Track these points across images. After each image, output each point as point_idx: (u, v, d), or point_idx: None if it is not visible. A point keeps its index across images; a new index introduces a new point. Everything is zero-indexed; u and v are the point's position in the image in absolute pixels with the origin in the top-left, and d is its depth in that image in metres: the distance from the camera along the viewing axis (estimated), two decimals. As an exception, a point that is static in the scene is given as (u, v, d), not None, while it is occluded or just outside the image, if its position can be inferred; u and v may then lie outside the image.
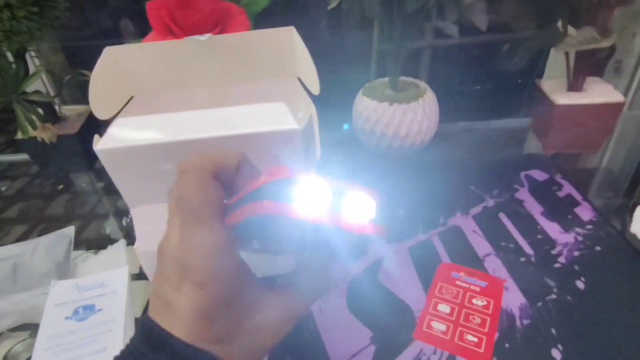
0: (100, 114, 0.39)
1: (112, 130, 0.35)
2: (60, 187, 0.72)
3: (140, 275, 0.47)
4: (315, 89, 0.40)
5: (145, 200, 0.38)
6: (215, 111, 0.35)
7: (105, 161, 0.34)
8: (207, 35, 0.39)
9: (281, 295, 0.23)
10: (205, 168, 0.20)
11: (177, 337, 0.19)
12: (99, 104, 0.39)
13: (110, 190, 0.69)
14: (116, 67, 0.40)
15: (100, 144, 0.33)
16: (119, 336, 0.38)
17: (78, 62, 0.77)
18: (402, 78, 0.62)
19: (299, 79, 0.44)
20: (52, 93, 0.74)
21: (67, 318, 0.40)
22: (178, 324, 0.19)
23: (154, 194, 0.37)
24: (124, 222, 0.61)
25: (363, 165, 0.64)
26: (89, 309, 0.41)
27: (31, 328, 0.42)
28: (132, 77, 0.41)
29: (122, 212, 0.63)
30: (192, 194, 0.19)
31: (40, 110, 0.60)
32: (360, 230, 0.19)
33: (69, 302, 0.42)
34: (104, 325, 0.39)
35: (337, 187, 0.19)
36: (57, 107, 0.67)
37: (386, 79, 0.62)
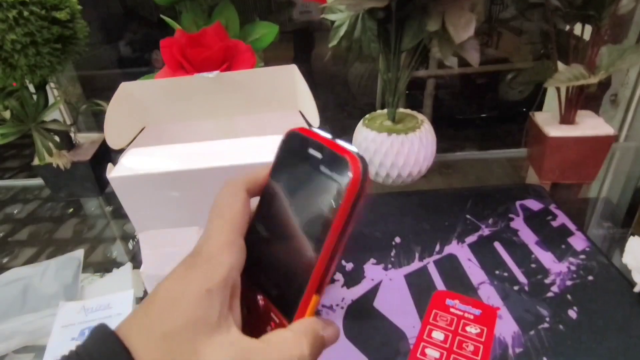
0: (114, 144, 0.42)
1: (125, 160, 0.37)
2: (70, 210, 0.74)
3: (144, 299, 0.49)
4: (315, 121, 0.43)
5: (153, 225, 0.40)
6: (221, 143, 0.37)
7: (117, 188, 0.36)
8: (215, 73, 0.42)
9: (244, 337, 0.20)
10: (238, 182, 0.23)
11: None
12: (113, 135, 0.41)
13: (118, 214, 0.72)
14: (130, 100, 0.43)
15: (113, 172, 0.35)
16: None
17: (94, 91, 0.81)
18: (401, 110, 0.64)
19: (300, 112, 0.46)
20: (68, 122, 0.78)
21: (73, 339, 0.42)
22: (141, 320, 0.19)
23: (161, 220, 0.39)
24: (130, 246, 0.63)
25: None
26: (94, 330, 0.42)
27: (36, 350, 0.44)
28: (144, 109, 0.44)
29: (128, 236, 0.65)
30: (224, 198, 0.22)
31: (56, 138, 0.64)
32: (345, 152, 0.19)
33: (75, 324, 0.43)
34: (107, 347, 0.41)
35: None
36: (72, 135, 0.70)
37: (385, 110, 0.64)
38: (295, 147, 0.22)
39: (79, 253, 0.55)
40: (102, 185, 0.72)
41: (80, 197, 0.74)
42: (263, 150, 0.36)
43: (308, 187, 0.20)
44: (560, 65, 0.57)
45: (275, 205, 0.22)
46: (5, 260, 0.63)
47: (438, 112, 0.59)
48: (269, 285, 0.22)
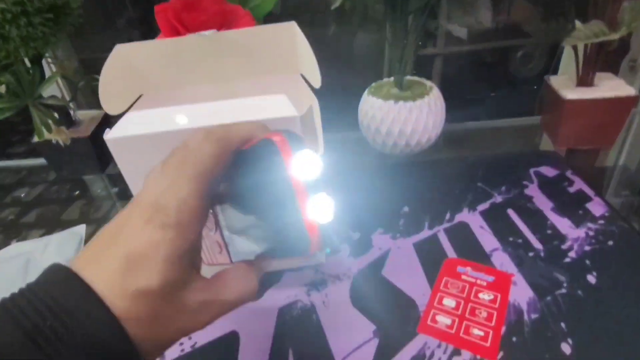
0: (110, 109, 0.40)
1: (122, 122, 0.36)
2: (77, 193, 0.74)
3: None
4: (317, 82, 0.41)
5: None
6: (219, 103, 0.36)
7: (114, 151, 0.35)
8: (211, 31, 0.40)
9: (209, 280, 0.22)
10: (229, 144, 0.22)
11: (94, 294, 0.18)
12: (109, 99, 0.40)
13: (123, 196, 0.71)
14: (125, 63, 0.41)
15: (109, 134, 0.34)
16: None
17: (91, 68, 0.79)
18: (408, 77, 0.62)
19: (302, 75, 0.44)
20: (67, 98, 0.77)
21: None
22: (100, 262, 0.19)
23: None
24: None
25: (369, 163, 0.64)
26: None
27: None
28: (140, 74, 0.42)
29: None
30: (204, 150, 0.21)
31: (55, 115, 0.62)
32: (311, 228, 0.21)
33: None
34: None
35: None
36: (71, 112, 0.69)
37: (392, 78, 0.62)
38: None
39: (80, 228, 0.54)
40: (104, 162, 0.71)
41: (82, 175, 0.73)
42: (260, 108, 0.34)
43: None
44: (578, 23, 0.54)
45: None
46: (13, 242, 0.63)
47: (446, 92, 0.57)
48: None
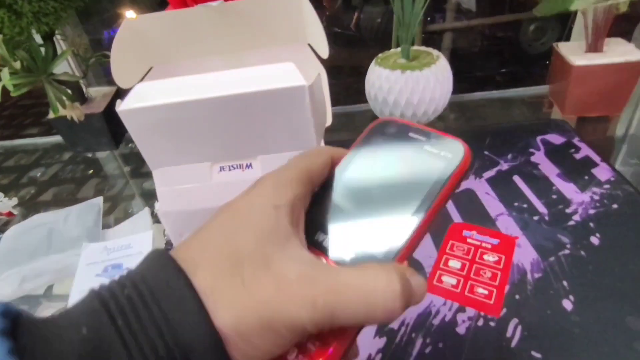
0: (122, 82, 0.41)
1: (133, 94, 0.37)
2: (91, 171, 0.76)
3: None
4: (324, 52, 0.41)
5: (167, 162, 0.40)
6: (228, 73, 0.36)
7: (127, 122, 0.36)
8: (218, 2, 0.40)
9: (317, 260, 0.18)
10: (325, 148, 0.22)
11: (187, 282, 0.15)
12: (120, 73, 0.41)
13: (136, 174, 0.73)
14: (135, 36, 0.42)
15: (122, 105, 0.35)
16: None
17: (99, 48, 0.80)
18: (415, 47, 0.62)
19: (310, 45, 0.45)
20: (78, 74, 0.78)
21: (97, 275, 0.43)
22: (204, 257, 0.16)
23: (175, 156, 0.39)
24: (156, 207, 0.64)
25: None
26: (117, 267, 0.44)
27: (67, 298, 0.45)
28: (150, 47, 0.43)
29: (147, 194, 0.66)
30: (306, 154, 0.21)
31: (68, 91, 0.64)
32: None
33: (99, 262, 0.45)
34: (130, 282, 0.42)
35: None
36: (84, 88, 0.70)
37: (399, 49, 0.62)
38: (389, 131, 0.22)
39: (98, 200, 0.56)
40: (117, 138, 0.73)
41: (96, 151, 0.75)
42: (269, 77, 0.35)
43: (409, 164, 0.21)
44: (589, -13, 0.53)
45: (360, 178, 0.21)
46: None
47: (455, 69, 0.57)
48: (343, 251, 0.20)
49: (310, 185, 0.20)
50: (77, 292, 0.42)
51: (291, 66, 0.36)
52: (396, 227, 0.19)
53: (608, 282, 0.36)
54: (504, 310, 0.35)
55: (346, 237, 0.19)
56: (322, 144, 0.40)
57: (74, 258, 0.46)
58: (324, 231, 0.20)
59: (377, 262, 0.18)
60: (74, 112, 0.63)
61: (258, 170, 0.38)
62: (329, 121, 0.49)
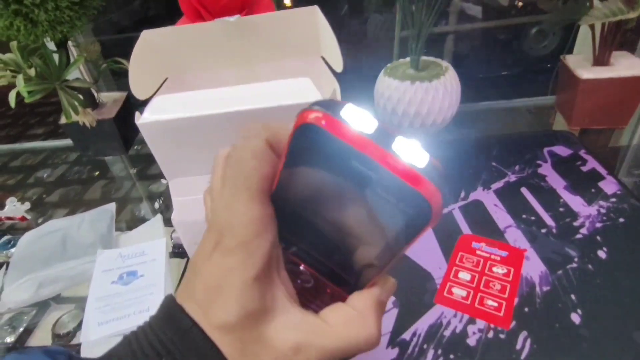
0: (139, 94, 0.42)
1: (152, 107, 0.37)
2: (97, 173, 0.77)
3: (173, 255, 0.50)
4: (339, 67, 0.42)
5: (182, 172, 0.40)
6: (246, 87, 0.37)
7: (146, 134, 0.37)
8: (235, 17, 0.41)
9: (306, 315, 0.19)
10: (264, 137, 0.18)
11: (187, 316, 0.18)
12: (137, 84, 0.42)
13: (143, 175, 0.74)
14: (152, 49, 0.43)
15: (142, 119, 0.36)
16: (160, 298, 0.42)
17: (113, 53, 0.81)
18: (424, 58, 0.62)
19: (323, 58, 0.45)
20: (89, 80, 0.79)
21: (113, 282, 0.44)
22: (193, 296, 0.18)
23: (190, 167, 0.40)
24: (156, 205, 0.65)
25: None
26: (132, 274, 0.45)
27: (77, 301, 0.46)
28: (166, 59, 0.44)
29: (154, 196, 0.67)
30: (246, 159, 0.18)
31: (81, 97, 0.64)
32: (415, 180, 0.15)
33: (114, 269, 0.46)
34: (145, 289, 0.43)
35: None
36: (95, 94, 0.71)
37: (408, 59, 0.62)
38: (322, 150, 0.16)
39: (111, 206, 0.57)
40: (127, 144, 0.73)
41: (106, 156, 0.75)
42: (286, 92, 0.36)
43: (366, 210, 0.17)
44: (596, 1, 0.54)
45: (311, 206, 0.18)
46: (40, 220, 0.66)
47: (458, 71, 0.57)
48: (317, 253, 0.20)
49: (268, 198, 0.18)
50: (93, 299, 0.42)
51: (307, 81, 0.36)
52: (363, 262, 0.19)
53: (615, 296, 0.37)
54: (514, 322, 0.36)
55: (322, 251, 0.20)
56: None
57: (88, 264, 0.47)
58: (299, 240, 0.20)
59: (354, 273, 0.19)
60: (86, 118, 0.63)
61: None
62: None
